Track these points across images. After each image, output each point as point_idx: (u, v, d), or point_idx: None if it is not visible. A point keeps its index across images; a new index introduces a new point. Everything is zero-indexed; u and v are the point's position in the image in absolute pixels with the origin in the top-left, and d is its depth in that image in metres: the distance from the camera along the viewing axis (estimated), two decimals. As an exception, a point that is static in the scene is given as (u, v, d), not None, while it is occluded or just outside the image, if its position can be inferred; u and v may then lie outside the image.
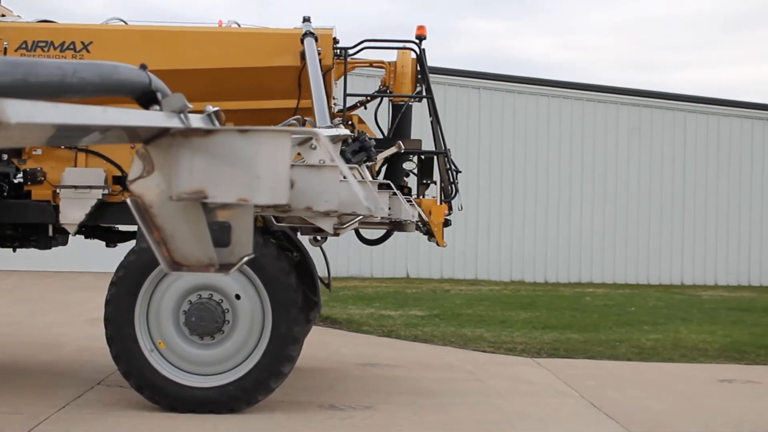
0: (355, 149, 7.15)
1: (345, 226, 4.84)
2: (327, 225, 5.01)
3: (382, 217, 7.21)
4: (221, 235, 1.76)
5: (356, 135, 7.57)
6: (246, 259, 1.81)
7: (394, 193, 6.09)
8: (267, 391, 8.25)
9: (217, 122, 1.79)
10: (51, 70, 1.27)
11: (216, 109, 1.83)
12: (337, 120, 7.30)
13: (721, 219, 24.35)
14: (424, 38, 9.77)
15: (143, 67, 1.70)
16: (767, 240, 24.45)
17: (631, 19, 60.17)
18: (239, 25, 9.69)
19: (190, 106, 1.73)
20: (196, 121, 1.69)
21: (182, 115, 1.66)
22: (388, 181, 7.95)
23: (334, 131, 5.16)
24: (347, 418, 8.17)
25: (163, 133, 1.57)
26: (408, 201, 8.24)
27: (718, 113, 24.63)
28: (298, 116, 4.44)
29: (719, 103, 24.90)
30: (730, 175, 24.47)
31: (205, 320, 8.26)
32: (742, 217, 24.43)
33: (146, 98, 1.69)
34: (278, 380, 8.26)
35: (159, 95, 1.70)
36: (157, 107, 1.68)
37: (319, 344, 11.59)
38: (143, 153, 1.62)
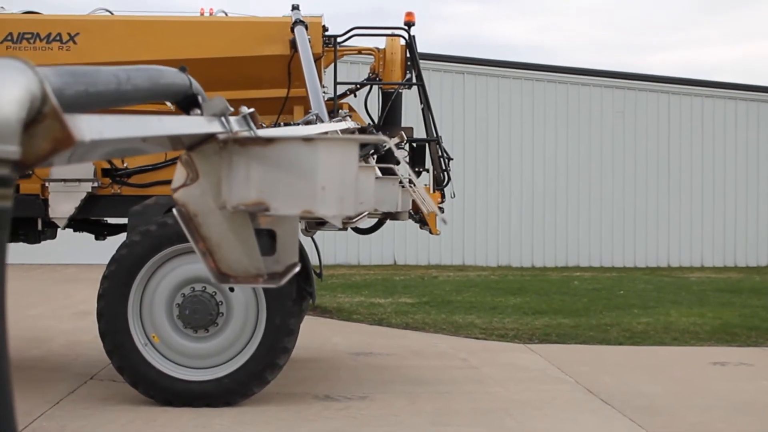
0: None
1: (354, 220, 4.78)
2: (338, 221, 4.96)
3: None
4: (265, 244, 1.70)
5: (363, 127, 7.52)
6: (295, 269, 1.75)
7: (402, 185, 6.05)
8: (262, 383, 8.20)
9: (252, 124, 1.74)
10: (108, 79, 1.22)
11: (251, 110, 1.78)
12: (343, 112, 7.24)
13: (706, 200, 24.41)
14: (413, 24, 9.72)
15: (183, 69, 1.64)
16: (752, 220, 24.53)
17: (609, 1, 60.18)
18: (227, 14, 9.61)
19: (231, 109, 1.67)
20: (235, 124, 1.64)
21: (223, 119, 1.60)
22: (403, 175, 7.89)
23: (343, 125, 5.10)
24: (343, 409, 8.13)
25: (207, 139, 1.51)
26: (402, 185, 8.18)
27: (701, 94, 24.66)
28: (314, 112, 4.36)
29: (702, 84, 24.93)
30: (715, 156, 24.52)
31: (199, 313, 8.19)
32: (727, 198, 24.51)
33: (187, 102, 1.64)
34: (274, 372, 8.21)
35: (200, 99, 1.64)
36: (198, 111, 1.63)
37: (311, 334, 11.54)
38: (187, 160, 1.56)
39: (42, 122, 0.99)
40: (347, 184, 1.48)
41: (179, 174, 1.60)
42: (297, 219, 1.70)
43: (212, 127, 1.55)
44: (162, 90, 1.48)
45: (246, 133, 1.59)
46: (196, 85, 1.68)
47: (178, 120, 1.38)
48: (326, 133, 3.28)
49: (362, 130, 7.39)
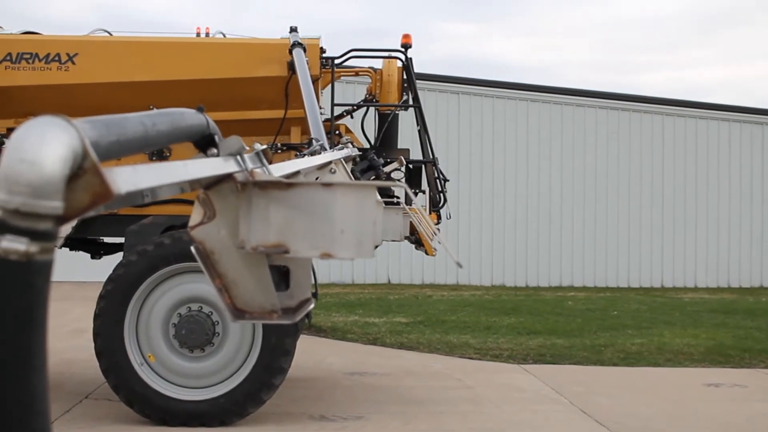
0: (364, 168, 7.14)
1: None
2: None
3: None
4: (279, 280, 1.74)
5: (363, 153, 7.57)
6: (309, 306, 1.79)
7: (406, 212, 6.11)
8: (258, 403, 8.21)
9: (265, 161, 1.78)
10: (136, 127, 1.26)
11: (264, 147, 1.81)
12: (345, 139, 7.29)
13: (699, 221, 24.50)
14: (410, 47, 9.79)
15: (200, 109, 1.68)
16: (746, 241, 24.62)
17: (602, 21, 60.52)
18: (225, 35, 9.66)
19: (247, 148, 1.71)
20: (249, 162, 1.67)
21: (239, 158, 1.64)
22: (404, 203, 7.93)
23: (346, 152, 5.15)
24: (339, 429, 8.14)
25: (224, 178, 1.55)
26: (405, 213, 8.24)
27: (695, 116, 24.79)
28: (318, 140, 4.40)
29: (696, 105, 25.07)
30: (709, 178, 24.63)
31: (195, 333, 8.21)
32: (721, 219, 24.59)
33: (204, 141, 1.68)
34: (269, 392, 8.22)
35: (216, 138, 1.68)
36: (215, 150, 1.67)
37: (306, 353, 11.55)
38: (204, 198, 1.60)
39: (82, 177, 1.03)
40: (366, 228, 1.52)
41: (196, 212, 1.64)
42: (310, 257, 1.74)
43: (229, 167, 1.59)
44: (183, 133, 1.52)
45: (263, 175, 1.63)
46: (213, 125, 1.72)
47: (200, 163, 1.42)
48: (329, 164, 3.33)
49: (363, 156, 7.43)
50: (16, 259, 1.05)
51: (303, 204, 1.54)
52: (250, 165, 1.66)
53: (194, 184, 1.51)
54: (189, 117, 1.59)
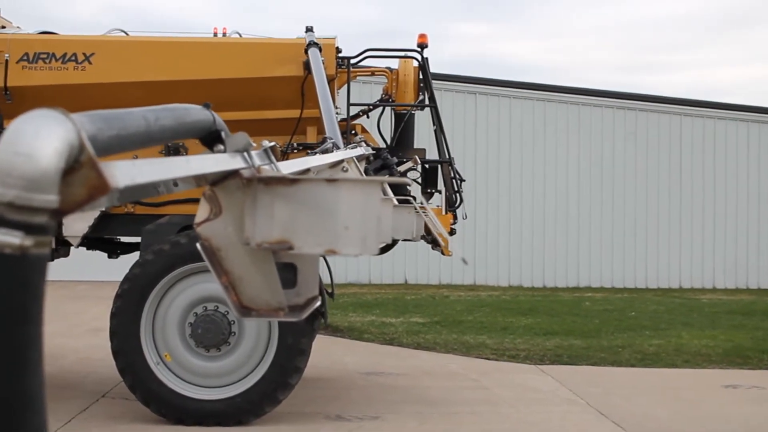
0: (378, 167, 7.14)
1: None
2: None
3: None
4: (286, 277, 1.73)
5: (377, 152, 7.56)
6: (316, 303, 1.78)
7: (417, 210, 6.09)
8: (274, 402, 8.21)
9: (273, 158, 1.77)
10: (137, 122, 1.25)
11: (272, 144, 1.80)
12: (358, 138, 7.29)
13: (718, 221, 24.36)
14: (426, 46, 9.77)
15: (207, 106, 1.67)
16: (764, 242, 24.46)
17: (617, 21, 60.27)
18: (241, 35, 9.67)
19: (254, 144, 1.70)
20: (257, 158, 1.66)
21: (246, 154, 1.63)
22: (416, 201, 7.91)
23: (358, 151, 5.13)
24: (355, 429, 8.13)
25: (230, 174, 1.54)
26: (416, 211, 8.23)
27: (713, 116, 24.66)
28: (330, 138, 4.39)
29: (714, 106, 24.93)
30: (727, 178, 24.48)
31: (211, 332, 8.22)
32: (739, 220, 24.45)
33: (211, 138, 1.66)
34: (285, 392, 8.22)
35: (223, 134, 1.67)
36: (221, 147, 1.66)
37: (322, 353, 11.55)
38: (210, 195, 1.59)
39: (79, 171, 1.02)
40: (370, 224, 1.51)
41: (203, 209, 1.63)
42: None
43: (235, 163, 1.58)
44: (188, 129, 1.51)
45: (270, 171, 1.62)
46: (219, 121, 1.71)
47: (204, 159, 1.41)
48: (343, 162, 3.32)
49: (376, 155, 7.43)
50: (10, 253, 1.04)
51: (307, 200, 1.53)
52: (257, 161, 1.65)
53: (200, 180, 1.51)
54: (194, 113, 1.58)
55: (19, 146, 1.00)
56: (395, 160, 7.85)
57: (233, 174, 1.56)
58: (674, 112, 24.51)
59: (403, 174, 8.85)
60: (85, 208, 1.06)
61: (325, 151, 3.32)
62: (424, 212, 5.42)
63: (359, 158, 4.97)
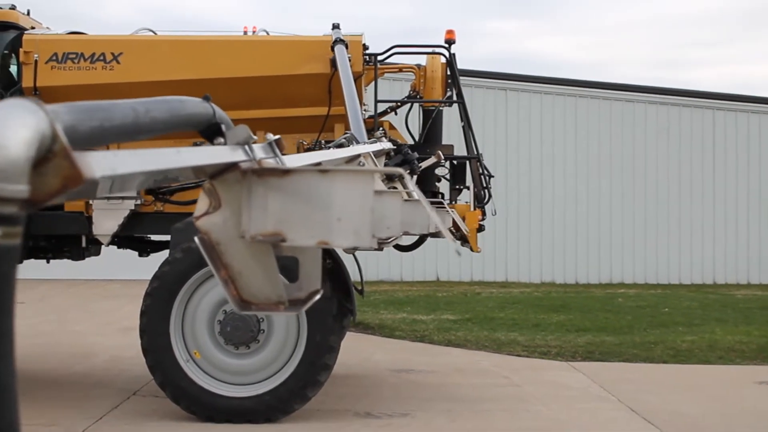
0: (398, 162, 7.11)
1: (389, 241, 4.78)
2: (373, 243, 4.95)
3: None
4: (288, 270, 1.71)
5: (398, 147, 7.53)
6: (317, 296, 1.76)
7: (441, 206, 6.04)
8: (303, 400, 8.21)
9: (278, 151, 1.75)
10: (125, 112, 1.23)
11: (277, 137, 1.79)
12: (379, 132, 7.27)
13: (752, 217, 24.12)
14: (454, 42, 9.73)
15: (206, 98, 1.66)
16: (800, 237, 24.19)
17: (650, 17, 59.84)
18: (268, 33, 9.68)
19: (255, 137, 1.69)
20: (259, 151, 1.65)
21: (247, 147, 1.62)
22: (439, 198, 7.88)
23: (378, 146, 5.11)
24: (384, 426, 8.12)
25: (229, 167, 1.52)
26: (443, 208, 8.19)
27: (746, 110, 24.42)
28: (347, 133, 4.37)
29: (747, 100, 24.68)
30: (761, 173, 24.24)
31: (240, 330, 8.23)
32: (774, 215, 24.19)
33: (210, 131, 1.65)
34: (314, 389, 8.22)
35: (223, 127, 1.66)
36: (222, 140, 1.64)
37: (353, 350, 11.54)
38: (209, 188, 1.57)
39: (51, 160, 1.00)
40: (363, 216, 1.48)
41: (202, 202, 1.62)
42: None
43: (233, 156, 1.57)
44: (183, 121, 1.49)
45: (265, 163, 1.60)
46: (220, 114, 1.70)
47: (196, 151, 1.39)
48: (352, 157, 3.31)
49: (397, 151, 7.40)
50: None
51: (300, 192, 1.51)
52: (259, 154, 1.63)
53: (199, 173, 1.49)
54: (190, 105, 1.56)
55: None
56: (416, 155, 7.82)
57: (232, 167, 1.54)
58: (707, 107, 24.30)
59: (427, 170, 8.81)
60: (60, 199, 1.04)
61: (340, 146, 3.29)
62: (442, 207, 5.40)
63: (379, 153, 4.95)
